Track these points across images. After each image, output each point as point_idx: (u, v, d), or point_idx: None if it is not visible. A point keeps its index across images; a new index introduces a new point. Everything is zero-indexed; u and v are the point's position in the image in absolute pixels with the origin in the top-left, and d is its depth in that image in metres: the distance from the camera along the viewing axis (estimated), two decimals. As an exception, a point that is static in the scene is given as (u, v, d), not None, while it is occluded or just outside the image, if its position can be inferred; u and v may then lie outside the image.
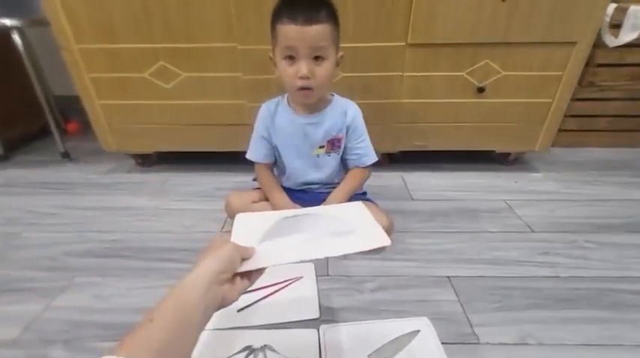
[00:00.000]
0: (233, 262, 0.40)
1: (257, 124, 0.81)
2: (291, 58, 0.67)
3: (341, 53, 0.72)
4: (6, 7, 1.12)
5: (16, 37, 1.14)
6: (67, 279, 0.74)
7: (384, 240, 0.46)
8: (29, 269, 0.78)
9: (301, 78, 0.66)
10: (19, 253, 0.83)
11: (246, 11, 0.91)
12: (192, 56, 0.98)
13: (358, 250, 0.45)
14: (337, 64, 0.72)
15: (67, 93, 1.45)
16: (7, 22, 1.10)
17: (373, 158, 0.83)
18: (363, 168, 0.83)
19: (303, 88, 0.68)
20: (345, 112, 0.79)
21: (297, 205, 0.80)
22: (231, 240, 0.46)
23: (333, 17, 0.66)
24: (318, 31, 0.63)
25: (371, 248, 0.45)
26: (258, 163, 0.83)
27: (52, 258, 0.81)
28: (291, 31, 0.63)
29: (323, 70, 0.67)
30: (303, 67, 0.65)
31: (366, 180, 0.86)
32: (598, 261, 0.77)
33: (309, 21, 0.62)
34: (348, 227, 0.49)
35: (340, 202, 0.79)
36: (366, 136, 0.83)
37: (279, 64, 0.69)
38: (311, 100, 0.73)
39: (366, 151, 0.82)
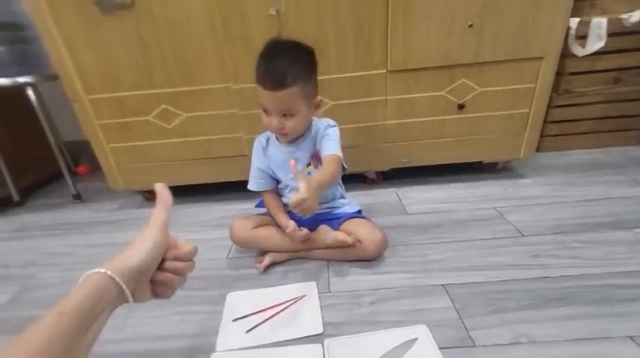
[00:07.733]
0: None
1: (253, 157, 0.92)
2: (266, 111, 0.78)
3: (319, 98, 0.81)
4: (20, 66, 1.23)
5: (30, 93, 1.24)
6: (84, 314, 0.78)
7: None
8: (43, 308, 0.82)
9: (275, 127, 0.78)
10: (34, 294, 0.88)
11: (237, 54, 1.00)
12: (191, 98, 1.07)
13: None
14: (316, 107, 0.81)
15: (76, 138, 1.56)
16: (22, 79, 1.21)
17: (335, 151, 0.82)
18: (334, 156, 0.81)
19: (278, 132, 0.80)
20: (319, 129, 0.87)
21: (294, 225, 0.83)
22: None
23: (302, 76, 0.73)
24: (283, 95, 0.73)
25: None
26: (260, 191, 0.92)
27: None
28: (262, 93, 0.75)
29: (292, 123, 0.78)
30: (274, 121, 0.77)
31: (341, 173, 0.84)
32: (586, 259, 0.80)
33: (276, 87, 0.72)
34: None
35: (321, 181, 0.75)
36: (330, 138, 0.84)
37: (261, 111, 0.80)
38: (288, 139, 0.84)
39: (327, 145, 0.83)
